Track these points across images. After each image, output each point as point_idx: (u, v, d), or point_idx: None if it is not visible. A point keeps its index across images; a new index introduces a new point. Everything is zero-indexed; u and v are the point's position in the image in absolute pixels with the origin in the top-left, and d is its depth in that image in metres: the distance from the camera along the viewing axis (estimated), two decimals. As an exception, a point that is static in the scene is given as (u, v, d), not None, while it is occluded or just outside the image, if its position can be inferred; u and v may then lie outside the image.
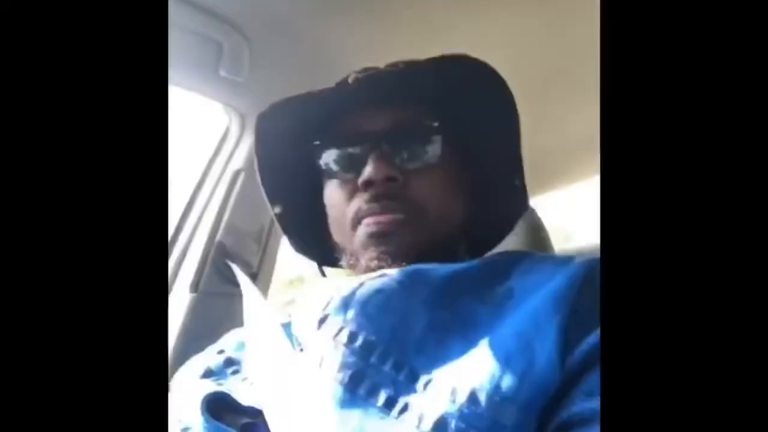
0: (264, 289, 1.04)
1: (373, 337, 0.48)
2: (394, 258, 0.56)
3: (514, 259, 0.57)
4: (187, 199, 0.96)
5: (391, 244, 0.57)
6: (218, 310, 0.92)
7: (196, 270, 0.90)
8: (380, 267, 0.56)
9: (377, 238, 0.57)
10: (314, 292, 0.58)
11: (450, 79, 0.60)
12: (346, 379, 0.46)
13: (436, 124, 0.61)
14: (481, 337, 0.47)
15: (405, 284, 0.52)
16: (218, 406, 0.50)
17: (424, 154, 0.60)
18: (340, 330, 0.50)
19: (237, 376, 0.57)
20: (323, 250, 0.69)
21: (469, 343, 0.46)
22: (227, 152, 0.95)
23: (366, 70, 0.62)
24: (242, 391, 0.53)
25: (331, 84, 0.64)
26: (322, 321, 0.52)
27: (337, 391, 0.46)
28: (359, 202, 0.59)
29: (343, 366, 0.47)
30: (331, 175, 0.63)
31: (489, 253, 0.64)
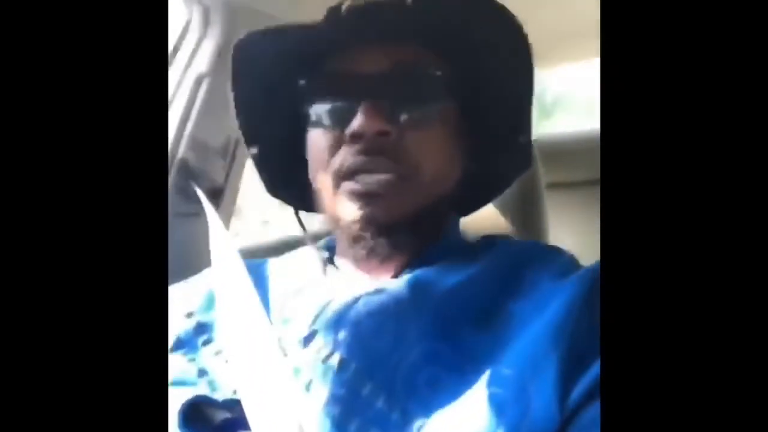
0: (230, 204, 0.96)
1: (365, 368, 0.46)
2: (377, 224, 0.51)
3: (518, 264, 0.52)
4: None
5: (376, 207, 0.51)
6: (184, 231, 0.84)
7: (156, 190, 0.80)
8: (361, 234, 0.52)
9: (362, 198, 0.51)
10: (299, 285, 0.54)
11: (460, 20, 0.51)
12: (336, 414, 0.44)
13: (439, 72, 0.53)
14: (478, 371, 0.45)
15: (403, 305, 0.49)
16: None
17: (423, 107, 0.53)
18: (331, 354, 0.47)
19: (209, 347, 0.54)
20: (302, 197, 0.62)
21: (465, 380, 0.45)
22: (187, 53, 0.81)
23: None
24: (218, 369, 0.51)
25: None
26: (309, 337, 0.48)
27: (326, 425, 0.44)
28: (345, 154, 0.52)
29: (334, 399, 0.45)
30: (317, 121, 0.55)
31: (488, 239, 0.59)
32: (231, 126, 0.89)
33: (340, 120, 0.52)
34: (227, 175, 0.92)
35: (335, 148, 0.53)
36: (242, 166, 0.97)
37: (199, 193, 0.75)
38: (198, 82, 0.82)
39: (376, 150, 0.51)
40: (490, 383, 0.44)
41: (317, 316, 0.50)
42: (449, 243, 0.57)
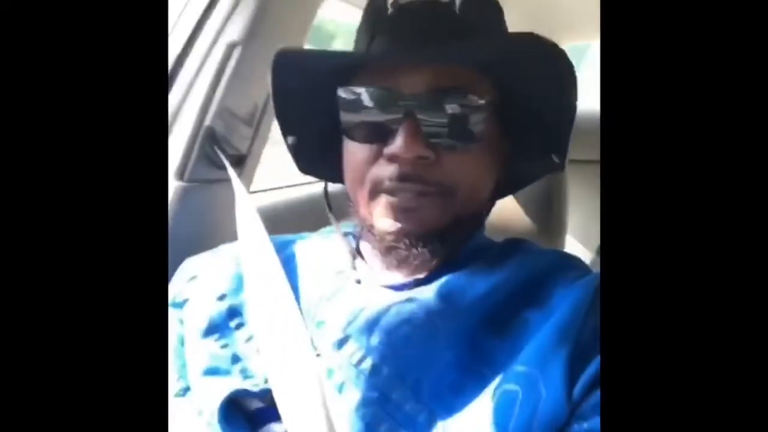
0: (252, 171, 0.97)
1: (396, 373, 0.48)
2: (412, 238, 0.52)
3: (538, 275, 0.54)
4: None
5: (411, 222, 0.52)
6: (208, 198, 0.85)
7: (182, 156, 0.80)
8: (395, 245, 0.53)
9: (397, 212, 0.52)
10: (332, 289, 0.56)
11: (512, 55, 0.51)
12: (368, 416, 0.46)
13: (483, 101, 0.52)
14: (496, 375, 0.47)
15: (432, 315, 0.51)
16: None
17: (464, 134, 0.52)
18: (364, 358, 0.49)
19: (241, 331, 0.55)
20: (332, 176, 0.64)
21: (485, 384, 0.47)
22: (219, 19, 0.80)
23: None
24: (251, 356, 0.53)
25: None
26: (342, 341, 0.50)
27: (358, 426, 0.46)
28: (382, 171, 0.53)
29: (365, 402, 0.47)
30: (355, 134, 0.55)
31: (511, 243, 0.61)
32: (258, 94, 0.89)
33: (379, 136, 0.53)
34: (251, 143, 0.92)
35: (372, 162, 0.54)
36: (267, 134, 0.97)
37: (228, 165, 0.76)
38: (229, 51, 0.81)
39: (413, 173, 0.52)
40: (506, 380, 0.47)
41: (350, 322, 0.52)
42: (477, 246, 0.59)
